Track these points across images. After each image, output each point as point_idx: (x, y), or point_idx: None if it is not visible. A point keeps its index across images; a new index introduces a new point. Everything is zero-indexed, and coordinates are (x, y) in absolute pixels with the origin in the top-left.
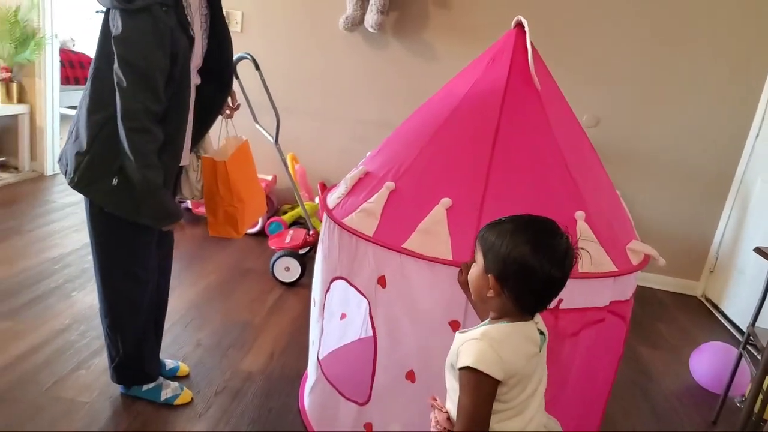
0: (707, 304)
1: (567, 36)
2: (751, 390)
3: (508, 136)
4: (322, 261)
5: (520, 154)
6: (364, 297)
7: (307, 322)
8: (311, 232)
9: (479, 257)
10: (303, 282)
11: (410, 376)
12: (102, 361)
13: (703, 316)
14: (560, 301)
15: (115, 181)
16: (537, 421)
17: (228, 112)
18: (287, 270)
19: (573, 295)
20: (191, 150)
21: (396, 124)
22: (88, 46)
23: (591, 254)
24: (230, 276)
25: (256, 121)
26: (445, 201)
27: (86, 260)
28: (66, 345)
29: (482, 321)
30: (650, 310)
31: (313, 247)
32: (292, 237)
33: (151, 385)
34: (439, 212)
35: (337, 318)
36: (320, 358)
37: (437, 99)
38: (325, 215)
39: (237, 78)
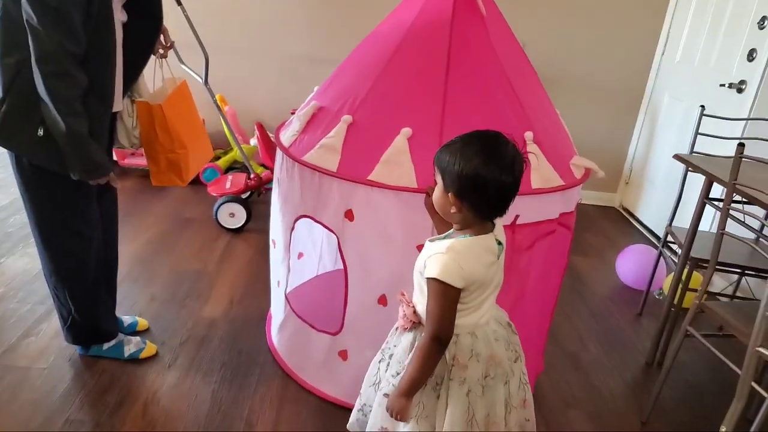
0: (624, 213)
1: None
2: (672, 283)
3: (459, 62)
4: (282, 201)
5: (472, 80)
6: (332, 232)
7: (260, 266)
8: (252, 176)
9: (438, 179)
10: (249, 227)
11: (382, 300)
12: (50, 326)
13: (622, 224)
14: (517, 216)
15: (40, 132)
16: (489, 315)
17: (162, 51)
18: (232, 216)
19: (528, 209)
20: (124, 94)
21: (327, 57)
22: None
23: (539, 163)
24: (171, 227)
25: (182, 62)
26: (406, 131)
27: (8, 223)
28: (7, 313)
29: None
30: (577, 222)
31: (254, 191)
32: (232, 182)
33: (112, 343)
34: (400, 142)
35: (295, 257)
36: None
37: (384, 29)
38: (280, 154)
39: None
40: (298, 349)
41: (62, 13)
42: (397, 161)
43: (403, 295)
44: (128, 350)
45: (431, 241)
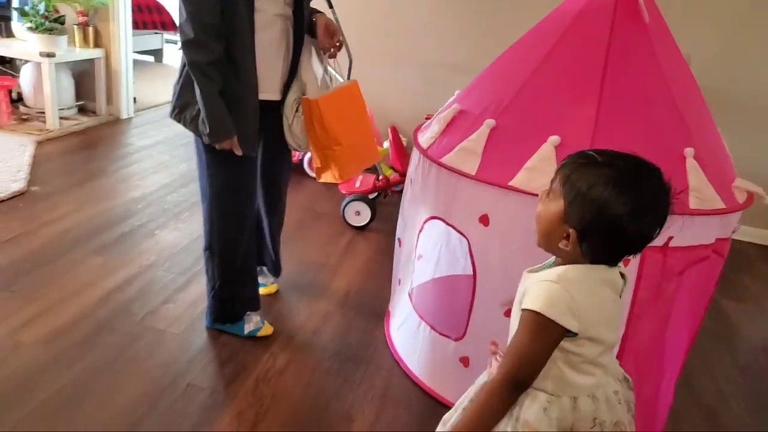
0: None
1: None
2: None
3: (616, 71)
4: (414, 201)
5: (629, 90)
6: (463, 236)
7: (379, 265)
8: (380, 178)
9: (559, 200)
10: (372, 226)
11: (508, 313)
12: (188, 296)
13: None
14: (670, 238)
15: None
16: (611, 369)
17: (332, 50)
18: (357, 214)
19: (683, 232)
20: (286, 89)
21: (465, 66)
22: None
23: (699, 182)
24: (303, 218)
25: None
26: (554, 139)
27: (166, 200)
28: (154, 280)
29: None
30: (733, 261)
31: (381, 192)
32: (362, 182)
33: None
34: (547, 150)
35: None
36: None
37: (535, 33)
38: (417, 154)
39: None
40: (416, 349)
41: None
42: (541, 169)
43: (496, 345)
44: (248, 328)
45: (530, 271)
